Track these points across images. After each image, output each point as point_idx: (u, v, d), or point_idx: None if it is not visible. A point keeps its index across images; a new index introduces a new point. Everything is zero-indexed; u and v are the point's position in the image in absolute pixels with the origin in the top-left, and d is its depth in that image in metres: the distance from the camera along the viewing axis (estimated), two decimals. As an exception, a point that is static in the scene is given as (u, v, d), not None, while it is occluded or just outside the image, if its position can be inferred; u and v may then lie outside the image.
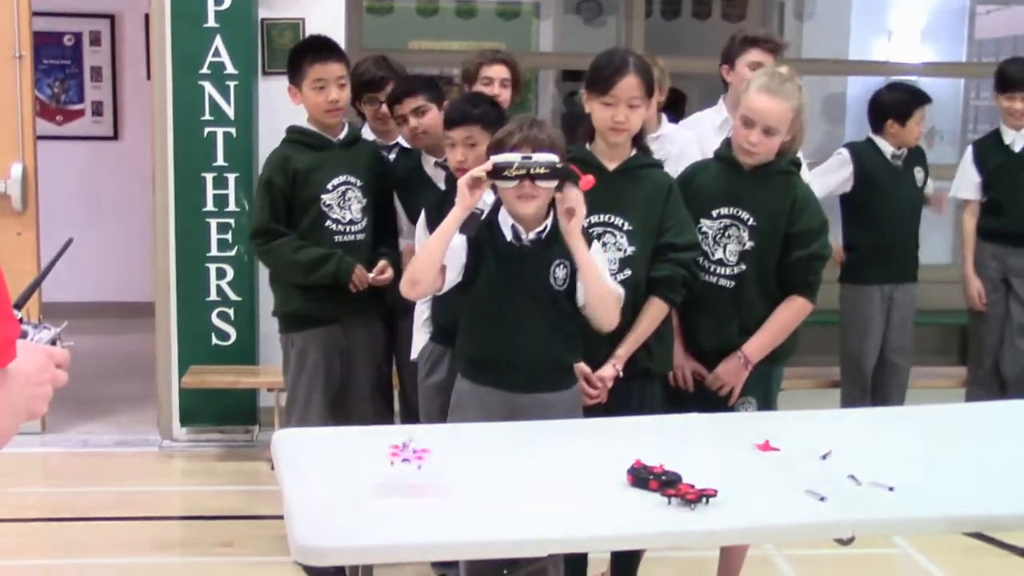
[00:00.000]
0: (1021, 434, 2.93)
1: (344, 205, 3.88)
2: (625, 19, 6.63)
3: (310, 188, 3.85)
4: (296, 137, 3.94)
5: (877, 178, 4.83)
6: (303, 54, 3.93)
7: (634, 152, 3.26)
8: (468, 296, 2.96)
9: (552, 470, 2.54)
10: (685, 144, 3.83)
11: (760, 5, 8.27)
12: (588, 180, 2.87)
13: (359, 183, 3.91)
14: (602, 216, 3.19)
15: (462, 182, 2.83)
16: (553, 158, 2.81)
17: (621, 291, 3.01)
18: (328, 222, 3.87)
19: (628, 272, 3.19)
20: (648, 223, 3.21)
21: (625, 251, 3.19)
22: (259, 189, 3.96)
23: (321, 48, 3.93)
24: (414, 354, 3.64)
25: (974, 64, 8.22)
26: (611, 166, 3.23)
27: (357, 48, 6.00)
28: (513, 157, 2.80)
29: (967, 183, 5.21)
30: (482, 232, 2.92)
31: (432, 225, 3.43)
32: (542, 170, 2.79)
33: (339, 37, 5.36)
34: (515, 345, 2.91)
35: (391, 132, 4.21)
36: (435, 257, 2.86)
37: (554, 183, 2.82)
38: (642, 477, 2.38)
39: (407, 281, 2.93)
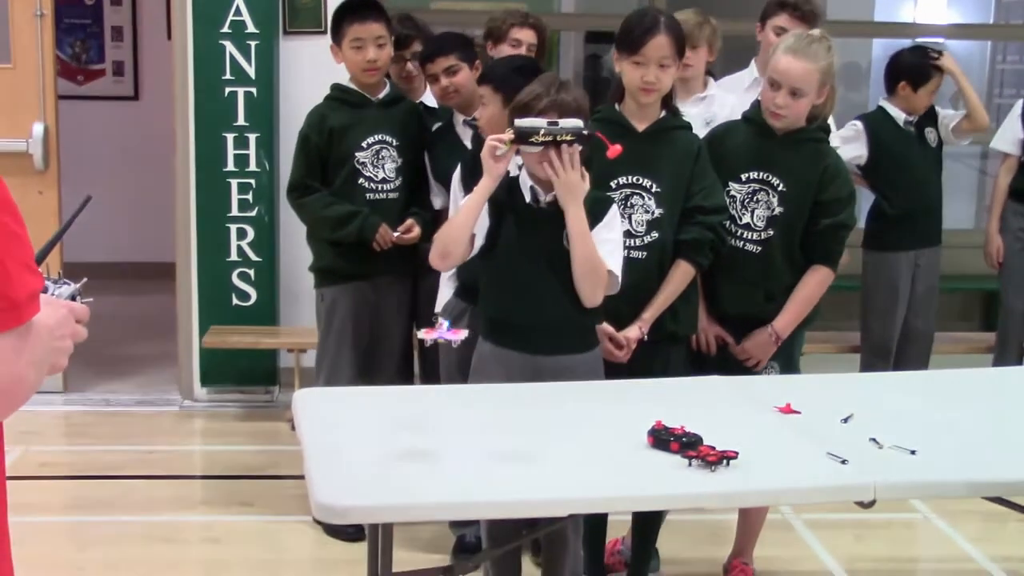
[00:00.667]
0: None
1: (378, 164, 3.91)
2: (649, -22, 6.55)
3: (344, 146, 3.90)
4: (336, 95, 3.98)
5: (892, 147, 4.77)
6: (343, 13, 3.95)
7: (663, 114, 3.24)
8: (488, 258, 2.94)
9: (572, 431, 2.54)
10: (733, 108, 3.79)
11: (785, -34, 8.16)
12: (615, 149, 2.84)
13: (395, 142, 3.94)
14: (630, 177, 3.18)
15: (486, 153, 2.81)
16: (579, 123, 2.78)
17: (617, 273, 2.92)
18: (361, 179, 3.91)
19: (655, 234, 3.17)
20: (676, 185, 3.19)
21: (653, 213, 3.18)
22: (297, 145, 4.01)
23: (360, 8, 3.94)
24: (438, 307, 3.65)
25: (1001, 26, 8.13)
26: (640, 127, 3.21)
27: (379, 8, 5.97)
28: (539, 123, 2.77)
29: (1010, 137, 5.12)
30: (502, 193, 2.90)
31: (466, 184, 3.43)
32: (569, 137, 2.76)
33: (361, -4, 5.34)
34: (535, 307, 2.90)
35: (416, 91, 4.21)
36: (465, 228, 2.86)
37: (578, 149, 2.79)
38: (663, 439, 2.38)
39: (437, 253, 2.93)
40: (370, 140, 3.90)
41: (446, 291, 3.61)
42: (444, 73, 3.81)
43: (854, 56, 7.64)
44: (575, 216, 2.83)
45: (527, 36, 4.20)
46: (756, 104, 3.35)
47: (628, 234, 3.12)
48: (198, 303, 5.30)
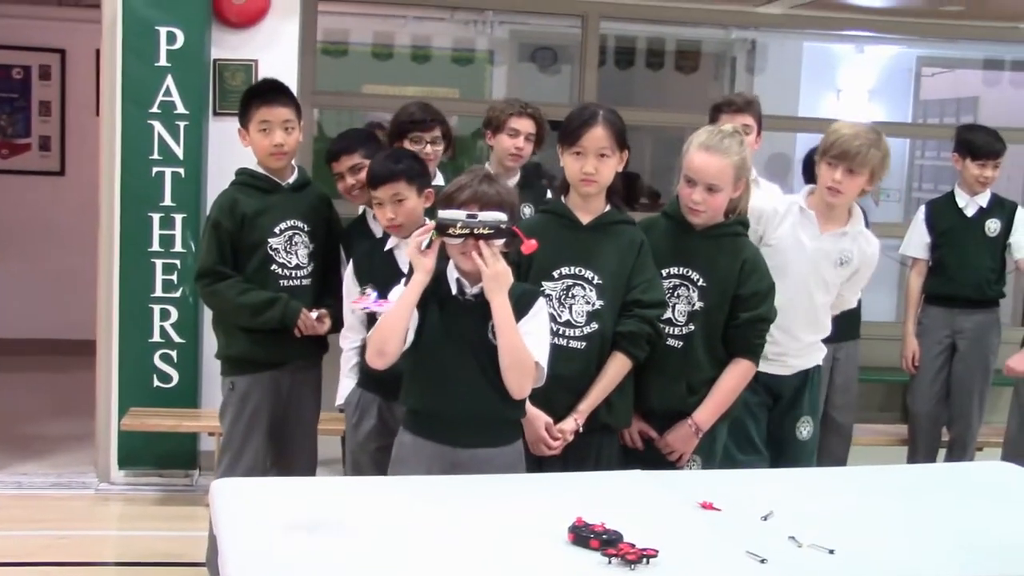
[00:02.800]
0: (963, 496, 2.94)
1: (290, 250, 3.87)
2: (579, 68, 6.68)
3: (257, 232, 3.84)
4: (245, 179, 3.92)
5: None
6: (251, 96, 3.94)
7: (608, 208, 3.28)
8: (412, 349, 2.92)
9: (491, 526, 2.51)
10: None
11: (713, 59, 8.38)
12: (530, 244, 2.86)
13: (307, 228, 3.90)
14: (572, 268, 3.21)
15: (412, 251, 2.81)
16: (499, 216, 2.80)
17: (543, 363, 2.91)
18: (274, 266, 3.86)
19: (595, 325, 3.19)
20: (617, 278, 3.22)
21: (593, 304, 3.20)
22: (206, 230, 3.94)
23: (268, 91, 3.93)
24: (339, 400, 3.62)
25: (920, 125, 8.38)
26: (584, 220, 3.25)
27: (310, 90, 6.00)
28: (458, 215, 2.78)
29: (917, 242, 5.30)
30: (428, 284, 2.89)
31: (360, 274, 3.46)
32: (486, 230, 2.78)
33: (292, 79, 5.37)
34: (457, 399, 2.88)
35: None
36: (400, 325, 2.83)
37: (499, 242, 2.81)
38: (583, 535, 2.36)
39: (374, 352, 2.88)
40: (282, 226, 3.86)
41: (347, 382, 3.58)
42: (349, 172, 3.83)
43: (778, 148, 7.82)
44: (500, 307, 2.83)
45: (525, 125, 4.34)
46: (675, 200, 3.39)
47: (568, 324, 3.16)
48: (118, 383, 5.21)
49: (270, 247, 3.84)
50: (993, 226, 5.21)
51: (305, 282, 3.89)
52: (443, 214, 2.80)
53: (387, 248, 3.53)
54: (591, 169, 3.17)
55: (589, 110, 3.24)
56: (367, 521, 2.50)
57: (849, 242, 3.67)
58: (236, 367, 3.94)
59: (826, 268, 3.65)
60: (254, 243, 3.84)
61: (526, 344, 2.86)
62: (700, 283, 3.31)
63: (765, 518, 2.60)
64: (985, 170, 5.14)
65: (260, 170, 3.90)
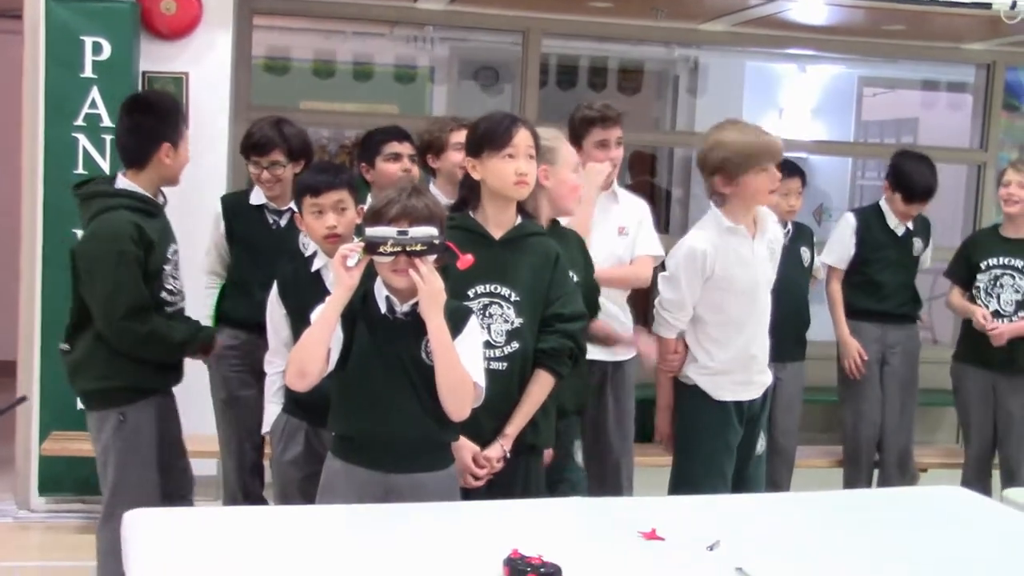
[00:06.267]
0: (915, 523, 2.86)
1: (175, 274, 3.69)
2: (520, 87, 6.60)
3: (156, 258, 3.58)
4: (135, 204, 3.56)
5: None
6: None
7: (520, 220, 3.15)
8: (340, 372, 2.77)
9: (424, 557, 2.38)
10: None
11: (655, 79, 8.36)
12: (467, 260, 2.74)
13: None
14: (488, 286, 3.07)
15: (337, 263, 2.67)
16: (431, 232, 2.67)
17: (481, 386, 2.79)
18: (163, 292, 3.63)
19: (516, 344, 3.07)
20: (535, 294, 3.10)
21: (512, 323, 3.07)
22: (117, 263, 3.50)
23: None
24: (266, 427, 3.48)
25: (861, 144, 8.41)
26: (497, 234, 3.11)
27: (246, 105, 5.85)
28: (389, 232, 2.65)
29: (841, 254, 5.21)
30: (356, 304, 2.75)
31: (285, 295, 3.33)
32: (419, 247, 2.65)
33: (225, 93, 5.25)
34: (389, 423, 2.75)
35: (284, 196, 4.07)
36: (321, 344, 2.68)
37: (432, 258, 2.68)
38: (519, 569, 2.23)
39: (294, 373, 2.73)
40: (170, 251, 3.66)
41: (272, 408, 3.44)
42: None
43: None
44: (438, 327, 2.69)
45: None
46: None
47: (488, 345, 3.00)
48: (39, 406, 5.02)
49: (165, 273, 3.62)
50: (918, 245, 5.22)
51: (182, 305, 3.74)
52: (372, 231, 2.66)
53: (314, 268, 3.39)
54: (525, 169, 3.05)
55: (509, 115, 3.16)
56: (293, 552, 2.37)
57: (770, 236, 3.88)
58: (123, 398, 3.59)
59: (770, 270, 3.87)
60: (154, 270, 3.58)
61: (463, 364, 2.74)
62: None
63: (711, 548, 2.49)
64: (912, 209, 5.11)
65: (142, 191, 3.59)
